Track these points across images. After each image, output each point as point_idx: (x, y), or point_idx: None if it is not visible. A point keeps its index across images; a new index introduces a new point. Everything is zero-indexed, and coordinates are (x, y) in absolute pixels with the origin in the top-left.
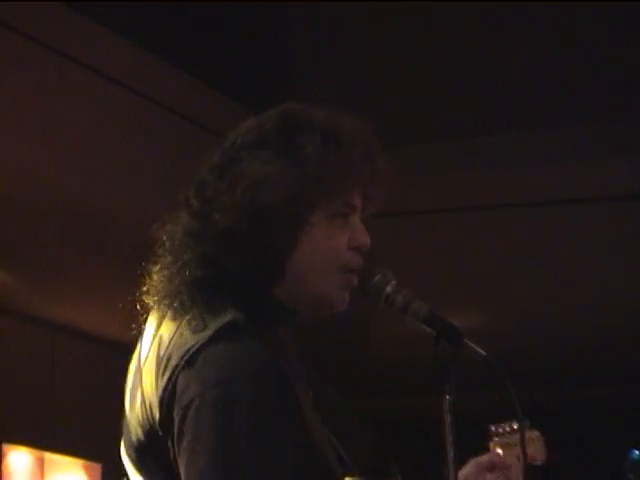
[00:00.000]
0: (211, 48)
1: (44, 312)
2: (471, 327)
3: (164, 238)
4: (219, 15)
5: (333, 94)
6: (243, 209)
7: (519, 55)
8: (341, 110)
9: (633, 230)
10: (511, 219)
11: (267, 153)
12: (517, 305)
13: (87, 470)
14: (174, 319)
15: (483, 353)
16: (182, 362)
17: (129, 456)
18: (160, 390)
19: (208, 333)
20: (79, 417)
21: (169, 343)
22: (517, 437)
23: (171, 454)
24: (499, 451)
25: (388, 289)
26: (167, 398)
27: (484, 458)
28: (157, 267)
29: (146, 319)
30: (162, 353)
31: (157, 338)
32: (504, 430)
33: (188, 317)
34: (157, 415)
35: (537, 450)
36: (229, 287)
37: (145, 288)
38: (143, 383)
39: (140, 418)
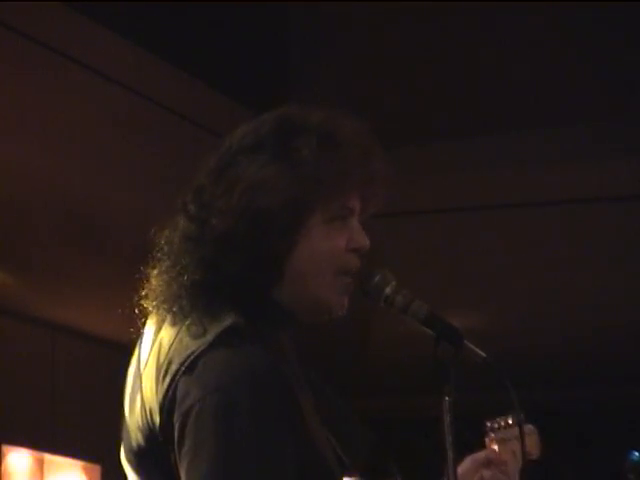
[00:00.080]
0: (211, 48)
1: (44, 312)
2: (471, 327)
3: (162, 242)
4: (219, 15)
5: (333, 94)
6: (240, 213)
7: (519, 55)
8: (341, 110)
9: (633, 230)
10: (511, 219)
11: (263, 157)
12: (517, 305)
13: (87, 471)
14: (174, 324)
15: (483, 354)
16: (182, 368)
17: (129, 461)
18: (160, 396)
19: (208, 338)
20: (79, 418)
21: (169, 349)
22: (512, 432)
23: (172, 459)
24: (495, 447)
25: (388, 289)
26: (167, 404)
27: (480, 454)
28: (155, 271)
29: (145, 323)
30: (162, 359)
31: (157, 343)
32: (499, 425)
33: (188, 322)
34: (157, 420)
35: (532, 444)
36: (228, 291)
37: (144, 292)
38: (143, 388)
39: (140, 423)
